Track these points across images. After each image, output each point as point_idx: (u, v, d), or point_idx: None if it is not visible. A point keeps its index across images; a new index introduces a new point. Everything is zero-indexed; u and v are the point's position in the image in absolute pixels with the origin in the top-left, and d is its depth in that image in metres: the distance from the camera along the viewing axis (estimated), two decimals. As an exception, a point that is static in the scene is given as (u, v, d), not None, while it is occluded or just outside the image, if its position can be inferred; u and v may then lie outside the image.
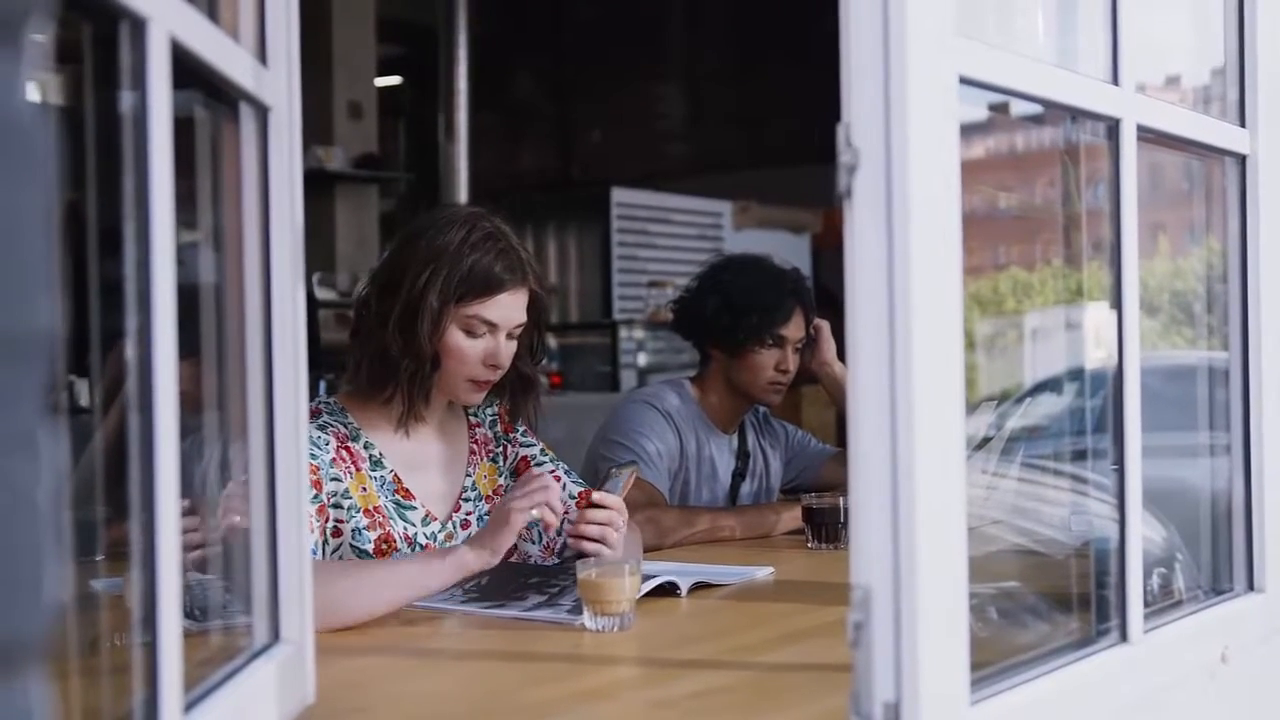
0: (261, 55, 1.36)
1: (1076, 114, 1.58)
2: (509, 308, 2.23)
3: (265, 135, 1.36)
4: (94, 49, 1.05)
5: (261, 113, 1.36)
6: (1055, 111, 1.61)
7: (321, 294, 6.82)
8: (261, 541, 1.37)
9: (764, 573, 2.36)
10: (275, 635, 1.38)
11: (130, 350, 1.01)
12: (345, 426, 2.24)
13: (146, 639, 1.03)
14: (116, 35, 1.01)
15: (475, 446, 2.39)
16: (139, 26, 1.01)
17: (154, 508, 1.02)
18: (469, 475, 2.36)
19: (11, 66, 0.57)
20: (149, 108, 1.02)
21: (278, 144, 1.38)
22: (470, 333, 2.21)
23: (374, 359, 2.22)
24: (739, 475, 3.15)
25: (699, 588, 2.19)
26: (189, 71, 1.12)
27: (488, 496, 2.37)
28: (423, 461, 2.31)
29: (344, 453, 2.20)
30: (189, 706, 1.10)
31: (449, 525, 2.30)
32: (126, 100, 1.02)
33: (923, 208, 1.18)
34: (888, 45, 1.18)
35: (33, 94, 0.60)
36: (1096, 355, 1.92)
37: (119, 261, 1.02)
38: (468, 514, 2.33)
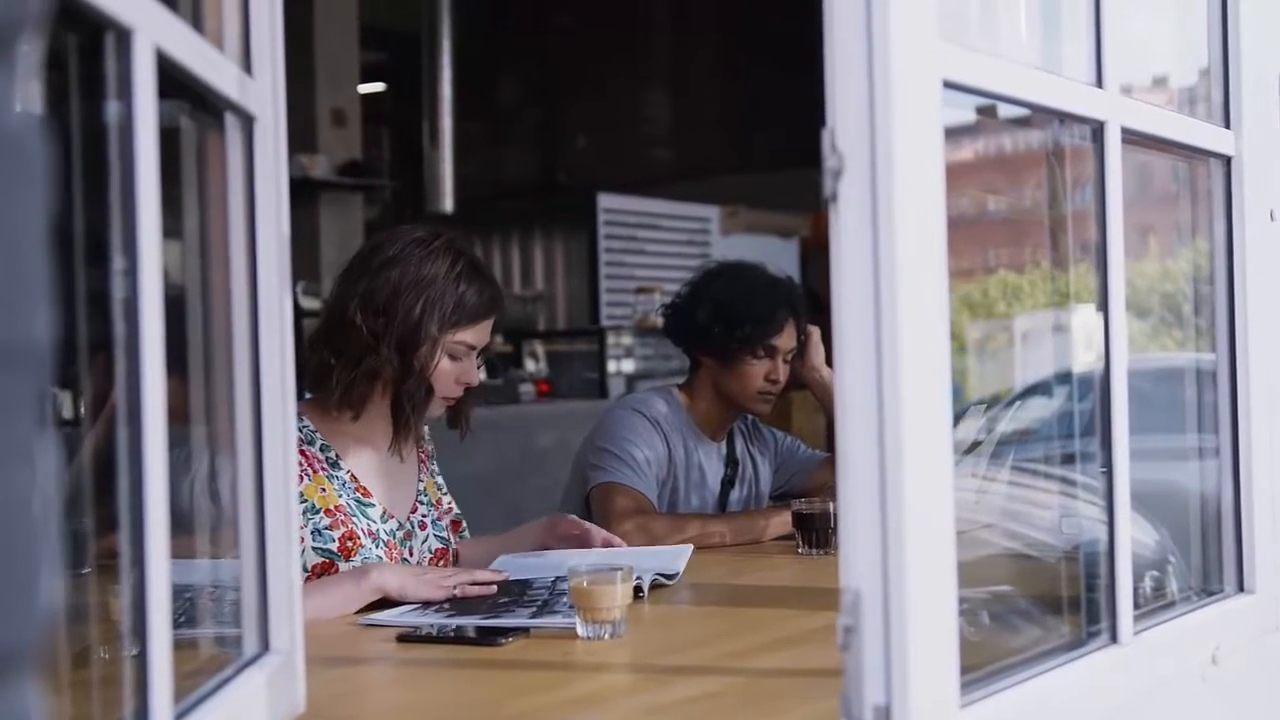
0: (246, 65, 1.36)
1: (1061, 117, 1.58)
2: (487, 331, 2.39)
3: (251, 145, 1.36)
4: (78, 58, 1.04)
5: (247, 122, 1.35)
6: (1041, 114, 1.61)
7: (306, 303, 6.78)
8: (251, 552, 1.37)
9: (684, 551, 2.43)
10: (265, 645, 1.38)
11: (118, 361, 1.01)
12: (300, 431, 2.28)
13: (133, 650, 1.03)
14: (101, 45, 1.01)
15: (424, 457, 2.52)
16: (124, 37, 1.01)
17: (143, 518, 1.01)
18: (420, 481, 2.48)
19: (5, 78, 0.57)
20: (134, 118, 1.01)
21: (263, 153, 1.38)
22: (453, 357, 2.34)
23: (364, 375, 2.29)
24: (728, 482, 3.14)
25: (658, 586, 2.23)
26: (173, 81, 1.12)
27: (435, 503, 2.49)
28: (379, 467, 2.39)
29: (299, 457, 2.23)
30: (179, 717, 1.09)
31: (407, 525, 2.40)
32: (112, 110, 1.02)
33: (908, 212, 1.18)
34: (871, 49, 1.18)
35: (27, 104, 0.60)
36: (1086, 358, 1.92)
37: (104, 271, 1.02)
38: (423, 516, 2.45)
